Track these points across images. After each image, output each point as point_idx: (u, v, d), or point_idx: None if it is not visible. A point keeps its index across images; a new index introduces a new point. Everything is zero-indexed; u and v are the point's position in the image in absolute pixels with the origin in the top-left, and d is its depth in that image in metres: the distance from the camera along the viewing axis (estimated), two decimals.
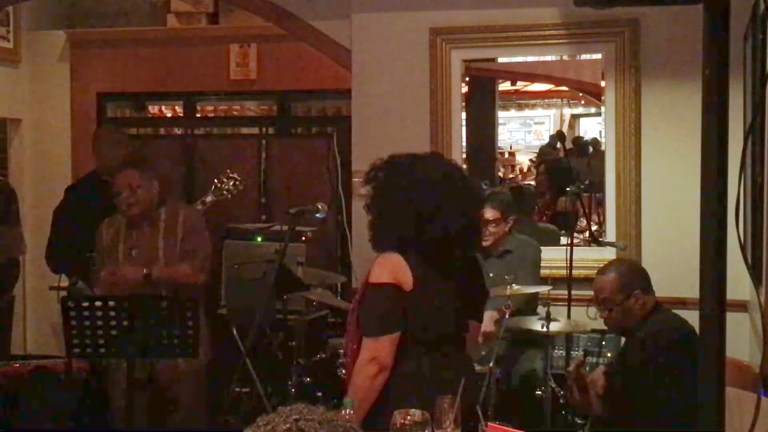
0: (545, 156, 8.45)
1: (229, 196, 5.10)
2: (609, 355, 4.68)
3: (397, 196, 2.78)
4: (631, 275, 3.61)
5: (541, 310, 4.35)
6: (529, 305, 4.58)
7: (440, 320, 2.77)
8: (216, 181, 5.01)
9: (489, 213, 4.56)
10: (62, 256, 4.83)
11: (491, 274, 4.27)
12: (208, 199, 4.93)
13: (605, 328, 4.71)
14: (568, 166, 5.33)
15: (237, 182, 5.00)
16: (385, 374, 2.67)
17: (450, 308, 2.80)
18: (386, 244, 2.80)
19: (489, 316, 3.93)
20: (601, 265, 4.71)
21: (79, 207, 4.80)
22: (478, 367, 4.08)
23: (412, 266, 2.71)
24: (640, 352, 3.50)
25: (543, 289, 4.48)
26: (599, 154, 5.43)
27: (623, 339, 4.68)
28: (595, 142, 7.74)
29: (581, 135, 9.09)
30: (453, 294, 2.81)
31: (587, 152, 7.42)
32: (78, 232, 4.54)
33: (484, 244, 4.59)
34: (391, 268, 2.71)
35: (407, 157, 2.88)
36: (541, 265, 4.76)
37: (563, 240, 5.12)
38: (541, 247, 4.84)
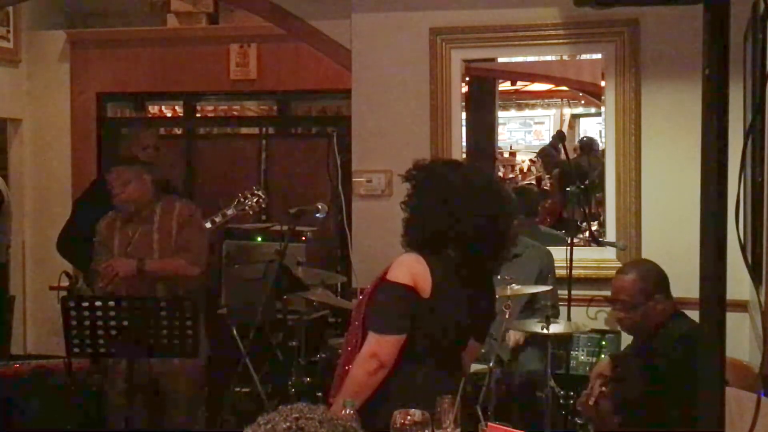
0: (545, 155, 8.47)
1: (251, 212, 5.09)
2: (611, 353, 4.67)
3: (437, 197, 2.76)
4: (653, 278, 3.54)
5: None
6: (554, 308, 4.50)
7: (446, 333, 2.76)
8: (240, 195, 4.99)
9: None
10: (73, 244, 4.84)
11: (499, 278, 4.24)
12: (229, 212, 4.92)
13: (605, 328, 4.72)
14: (581, 169, 5.30)
15: (261, 200, 4.98)
16: (383, 372, 2.66)
17: (458, 323, 2.79)
18: (416, 244, 2.79)
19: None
20: (602, 265, 4.75)
21: (99, 200, 4.81)
22: (478, 367, 4.09)
23: (434, 274, 2.69)
24: (663, 359, 3.39)
25: (543, 289, 4.47)
26: (599, 154, 5.44)
27: (621, 340, 4.70)
28: (592, 141, 7.78)
29: (583, 135, 9.11)
30: (465, 310, 2.80)
31: (589, 152, 7.44)
32: (93, 224, 4.54)
33: None
34: (413, 271, 2.69)
35: (450, 161, 2.99)
36: None
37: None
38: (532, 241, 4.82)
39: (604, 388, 3.51)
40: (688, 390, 3.22)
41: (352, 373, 2.69)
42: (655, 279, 3.55)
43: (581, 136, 9.10)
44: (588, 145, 7.81)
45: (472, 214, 2.72)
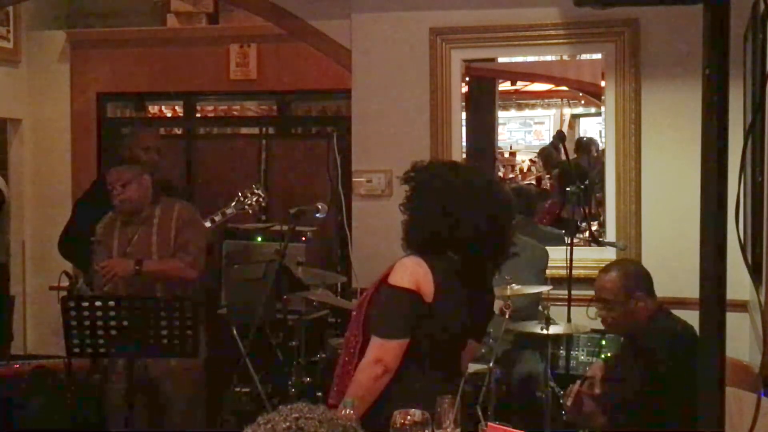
0: (546, 155, 8.47)
1: (250, 211, 5.08)
2: (609, 354, 4.67)
3: (437, 199, 2.75)
4: (634, 276, 3.55)
5: (541, 310, 4.35)
6: (529, 309, 4.53)
7: (448, 335, 2.75)
8: (240, 194, 4.99)
9: None
10: (73, 244, 4.85)
11: (497, 277, 4.24)
12: (229, 210, 4.91)
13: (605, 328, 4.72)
14: (581, 170, 5.30)
15: (261, 198, 4.98)
16: (388, 377, 2.65)
17: (459, 324, 2.79)
18: (416, 246, 2.78)
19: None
20: (602, 265, 4.74)
21: (100, 200, 4.81)
22: (477, 367, 4.10)
23: (436, 277, 2.68)
24: (646, 359, 3.40)
25: (543, 289, 4.48)
26: (599, 154, 5.44)
27: (621, 340, 4.70)
28: (590, 141, 7.78)
29: (580, 135, 9.12)
30: (466, 311, 2.79)
31: (586, 152, 7.45)
32: (93, 224, 4.55)
33: None
34: (415, 275, 2.68)
35: (448, 162, 2.99)
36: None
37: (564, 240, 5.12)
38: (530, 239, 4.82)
39: (596, 390, 3.53)
40: (677, 387, 3.24)
41: (357, 379, 2.68)
42: (636, 277, 3.56)
43: (579, 136, 9.11)
44: (586, 145, 7.82)
45: (472, 215, 2.72)
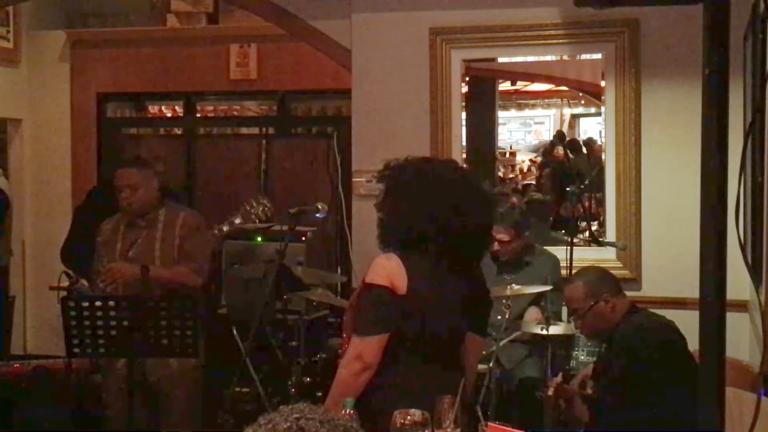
0: (551, 157, 8.48)
1: (257, 221, 5.08)
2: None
3: (409, 196, 2.76)
4: (598, 280, 3.59)
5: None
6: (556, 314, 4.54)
7: (432, 328, 2.73)
8: (246, 203, 5.00)
9: (503, 235, 4.53)
10: (77, 254, 4.85)
11: (511, 284, 4.29)
12: (237, 220, 4.91)
13: None
14: (573, 169, 5.31)
15: (267, 208, 4.98)
16: (368, 373, 2.67)
17: (444, 317, 2.77)
18: (392, 243, 2.79)
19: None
20: (601, 265, 4.73)
21: (100, 208, 4.81)
22: (478, 367, 4.09)
23: (410, 270, 2.68)
24: (620, 356, 3.43)
25: (543, 289, 4.48)
26: (596, 153, 5.44)
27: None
28: (590, 141, 7.78)
29: (570, 137, 9.12)
30: (450, 303, 2.78)
31: (584, 152, 7.47)
32: (94, 232, 4.54)
33: (501, 259, 4.61)
34: (387, 270, 2.70)
35: (423, 159, 2.93)
36: None
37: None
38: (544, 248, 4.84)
39: (588, 389, 3.55)
40: (659, 382, 3.24)
41: (338, 375, 2.72)
42: (599, 280, 3.60)
43: (572, 137, 9.12)
44: (578, 146, 7.84)
45: (444, 210, 2.72)
